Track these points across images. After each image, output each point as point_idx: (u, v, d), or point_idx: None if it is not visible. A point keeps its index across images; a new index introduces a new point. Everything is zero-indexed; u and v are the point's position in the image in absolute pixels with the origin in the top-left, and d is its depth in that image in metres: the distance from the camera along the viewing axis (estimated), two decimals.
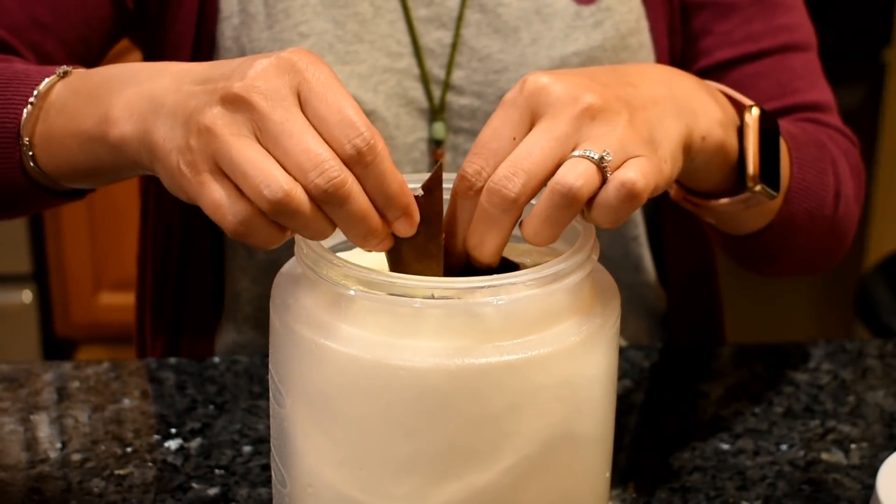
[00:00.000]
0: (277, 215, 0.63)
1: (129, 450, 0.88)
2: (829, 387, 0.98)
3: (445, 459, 0.64)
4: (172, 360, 1.01)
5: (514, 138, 0.66)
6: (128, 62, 0.76)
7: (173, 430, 0.91)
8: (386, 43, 0.99)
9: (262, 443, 0.89)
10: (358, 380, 0.64)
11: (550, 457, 0.66)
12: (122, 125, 0.70)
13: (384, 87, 0.98)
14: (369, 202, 0.64)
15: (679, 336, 1.12)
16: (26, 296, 2.33)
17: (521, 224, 0.67)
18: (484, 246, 0.67)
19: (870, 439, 0.91)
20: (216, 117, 0.63)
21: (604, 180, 0.65)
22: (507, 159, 0.65)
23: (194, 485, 0.85)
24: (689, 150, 0.73)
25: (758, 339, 2.24)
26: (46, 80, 0.79)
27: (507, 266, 0.69)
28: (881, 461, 0.84)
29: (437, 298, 0.63)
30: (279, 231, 0.65)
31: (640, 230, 1.07)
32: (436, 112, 0.99)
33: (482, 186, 0.66)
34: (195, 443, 0.89)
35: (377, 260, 0.69)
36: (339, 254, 0.67)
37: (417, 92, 0.99)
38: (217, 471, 0.86)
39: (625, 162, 0.66)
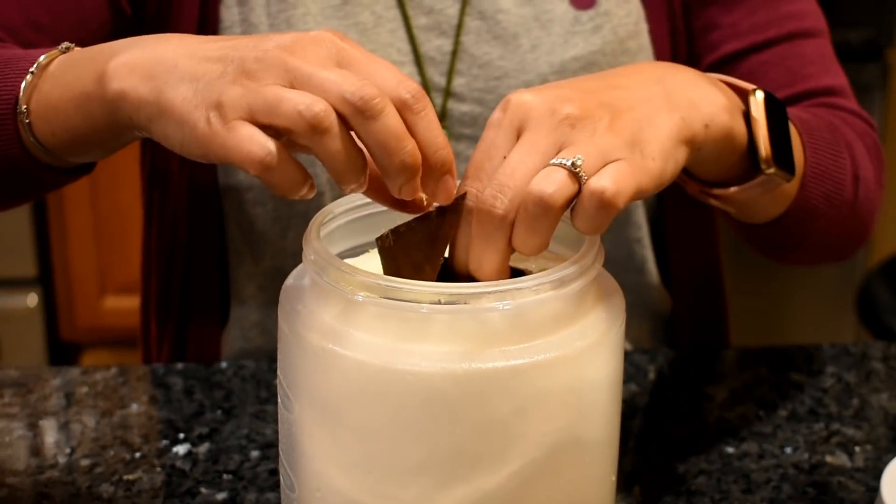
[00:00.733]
0: (311, 134, 0.63)
1: (137, 455, 0.89)
2: (834, 390, 0.99)
3: (453, 463, 0.65)
4: (180, 365, 1.01)
5: (505, 157, 0.67)
6: None
7: (181, 436, 0.91)
8: (387, 52, 0.99)
9: (269, 447, 0.90)
10: (366, 385, 0.64)
11: (557, 461, 0.66)
12: (121, 80, 0.70)
13: None
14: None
15: (683, 338, 1.12)
16: (31, 299, 2.33)
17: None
18: (483, 266, 0.67)
19: (874, 442, 0.91)
20: (254, 73, 0.65)
21: (580, 185, 0.66)
22: (492, 178, 0.66)
23: (203, 490, 0.85)
24: (691, 142, 0.72)
25: (761, 340, 2.24)
26: (46, 54, 0.79)
27: (513, 272, 0.70)
28: (885, 464, 0.84)
29: (444, 304, 0.63)
30: (302, 173, 0.65)
31: (644, 232, 1.07)
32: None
33: None
34: (203, 448, 0.90)
35: None
36: (346, 260, 0.68)
37: None
38: (225, 475, 0.87)
39: (603, 167, 0.66)
